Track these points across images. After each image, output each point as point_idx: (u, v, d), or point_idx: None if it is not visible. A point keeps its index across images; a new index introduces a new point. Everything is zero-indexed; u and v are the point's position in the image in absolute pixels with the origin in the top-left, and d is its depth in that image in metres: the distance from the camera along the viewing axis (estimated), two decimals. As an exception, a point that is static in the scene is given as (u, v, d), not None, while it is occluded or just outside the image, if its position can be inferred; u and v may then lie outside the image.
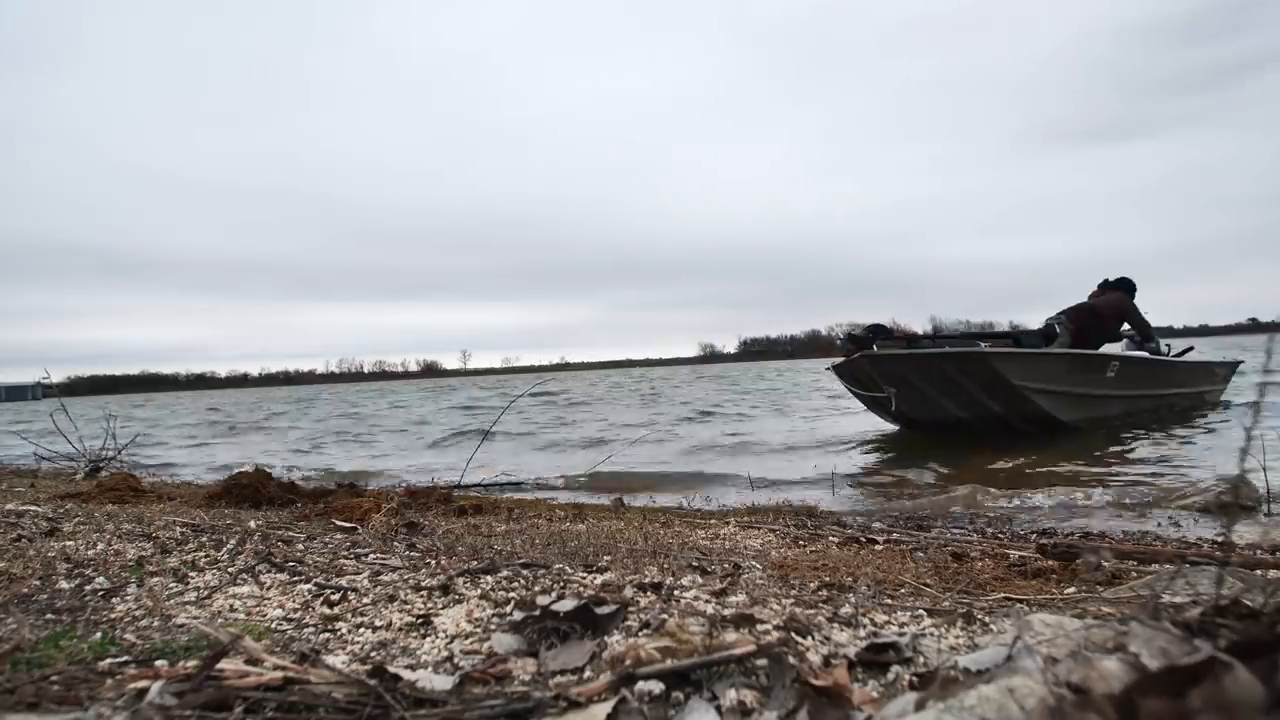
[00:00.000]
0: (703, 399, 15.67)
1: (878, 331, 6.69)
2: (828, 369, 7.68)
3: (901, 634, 1.14)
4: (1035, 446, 5.65)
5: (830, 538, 2.64)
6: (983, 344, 6.20)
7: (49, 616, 1.31)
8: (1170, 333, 8.07)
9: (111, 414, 5.95)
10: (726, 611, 1.21)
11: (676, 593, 1.43)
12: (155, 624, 1.28)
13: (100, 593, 1.48)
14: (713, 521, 3.09)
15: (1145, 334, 7.38)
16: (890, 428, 7.46)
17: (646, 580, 1.53)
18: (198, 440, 11.03)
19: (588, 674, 0.98)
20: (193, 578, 1.63)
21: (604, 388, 24.83)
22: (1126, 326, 7.42)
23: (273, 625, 1.29)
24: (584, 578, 1.61)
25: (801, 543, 2.53)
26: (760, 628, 1.11)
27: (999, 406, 6.15)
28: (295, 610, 1.38)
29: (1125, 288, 7.48)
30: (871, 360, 6.38)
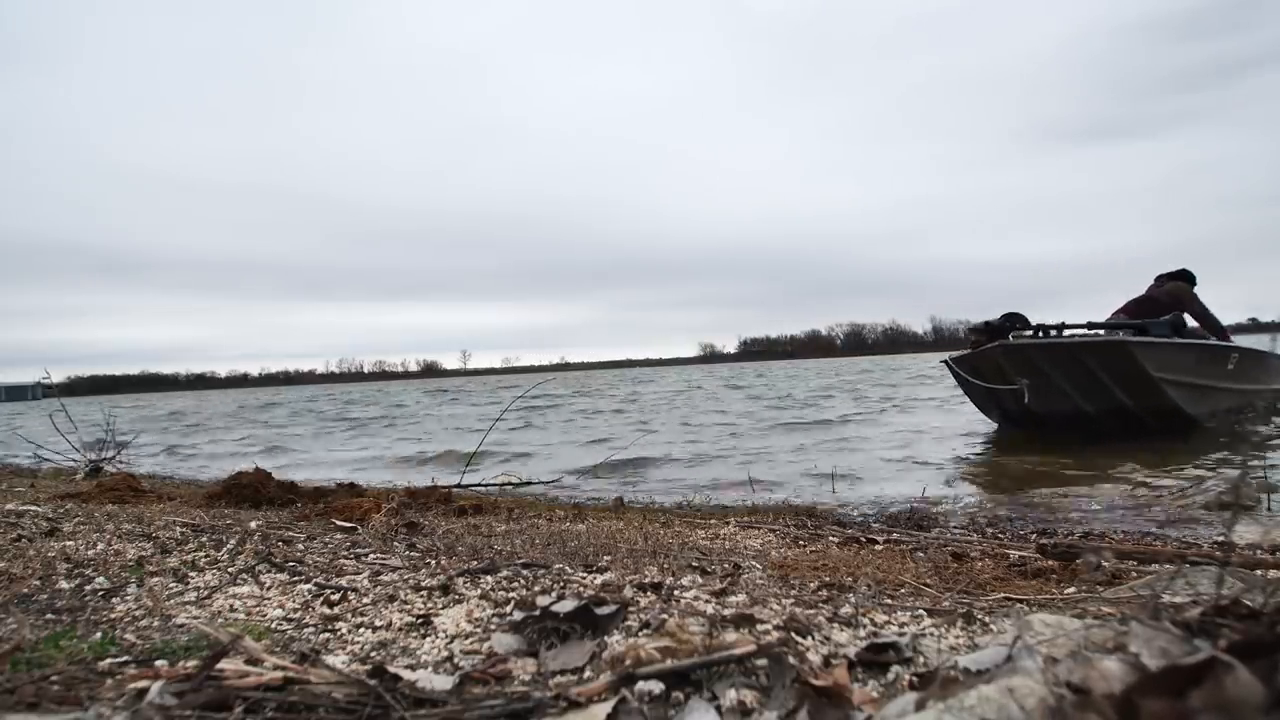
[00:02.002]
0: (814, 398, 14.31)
1: (1013, 320, 6.35)
2: (945, 360, 7.23)
3: (901, 634, 1.14)
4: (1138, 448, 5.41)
5: (830, 538, 2.64)
6: (1119, 333, 5.92)
7: (49, 616, 1.31)
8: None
9: (111, 416, 5.92)
10: (726, 611, 1.21)
11: (676, 593, 1.43)
12: (155, 624, 1.28)
13: (100, 593, 1.48)
14: (713, 521, 3.09)
15: (1211, 326, 6.89)
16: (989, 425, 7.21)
17: (646, 580, 1.53)
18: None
19: (588, 674, 0.98)
20: (193, 578, 1.63)
21: (651, 389, 23.07)
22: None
23: (273, 625, 1.29)
24: (584, 578, 1.61)
25: (801, 543, 2.53)
26: (760, 628, 1.11)
27: (1129, 399, 5.86)
28: (295, 610, 1.38)
29: (1184, 278, 7.05)
30: (1006, 350, 6.03)
